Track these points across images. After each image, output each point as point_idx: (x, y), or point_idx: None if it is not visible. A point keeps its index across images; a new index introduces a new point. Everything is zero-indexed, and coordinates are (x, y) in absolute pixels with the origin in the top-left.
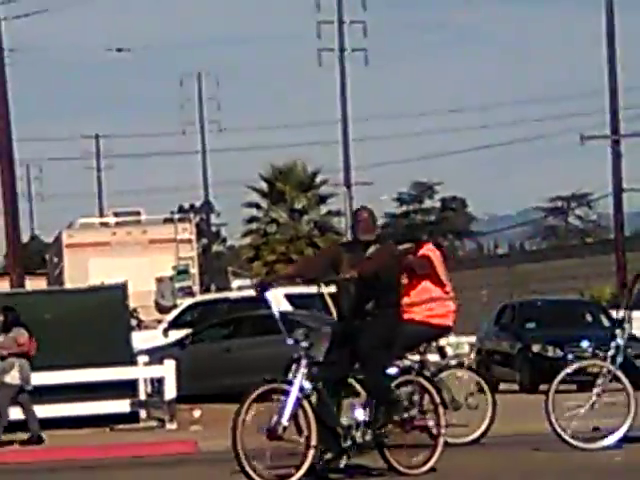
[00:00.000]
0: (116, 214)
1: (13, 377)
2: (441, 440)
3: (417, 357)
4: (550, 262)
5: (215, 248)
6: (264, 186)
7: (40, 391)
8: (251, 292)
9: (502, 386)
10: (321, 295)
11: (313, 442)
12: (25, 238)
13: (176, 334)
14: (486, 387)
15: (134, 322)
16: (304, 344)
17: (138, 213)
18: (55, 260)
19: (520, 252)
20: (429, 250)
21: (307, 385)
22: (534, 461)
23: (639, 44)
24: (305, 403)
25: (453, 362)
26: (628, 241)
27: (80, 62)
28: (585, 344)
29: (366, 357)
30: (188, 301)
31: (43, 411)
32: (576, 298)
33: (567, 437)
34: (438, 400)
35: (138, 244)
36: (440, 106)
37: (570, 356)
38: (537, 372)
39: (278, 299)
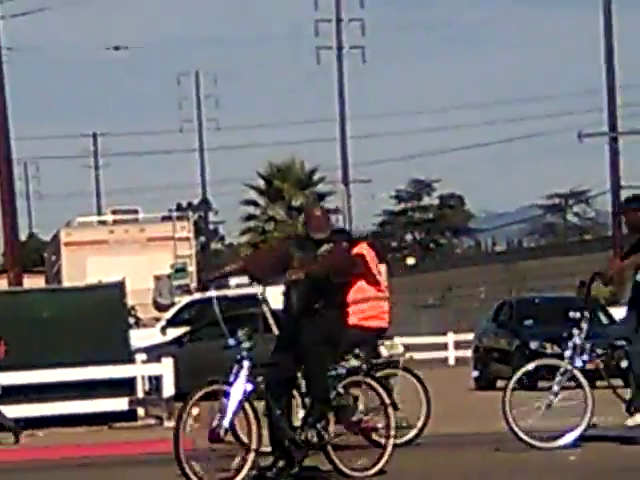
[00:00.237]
0: (114, 212)
1: None
2: (391, 442)
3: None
4: (548, 259)
5: (213, 246)
6: (262, 184)
7: (38, 389)
8: (249, 290)
9: (500, 383)
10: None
11: (253, 445)
12: (23, 236)
13: (174, 332)
14: (420, 387)
15: (132, 320)
16: (246, 345)
17: (136, 211)
18: (53, 258)
19: (518, 249)
20: (363, 249)
21: (249, 387)
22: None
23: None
24: (247, 405)
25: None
26: (626, 238)
27: (78, 60)
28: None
29: (308, 354)
30: (186, 299)
31: (41, 409)
32: (574, 295)
33: (524, 435)
34: (388, 401)
35: (136, 242)
36: (438, 104)
37: (568, 353)
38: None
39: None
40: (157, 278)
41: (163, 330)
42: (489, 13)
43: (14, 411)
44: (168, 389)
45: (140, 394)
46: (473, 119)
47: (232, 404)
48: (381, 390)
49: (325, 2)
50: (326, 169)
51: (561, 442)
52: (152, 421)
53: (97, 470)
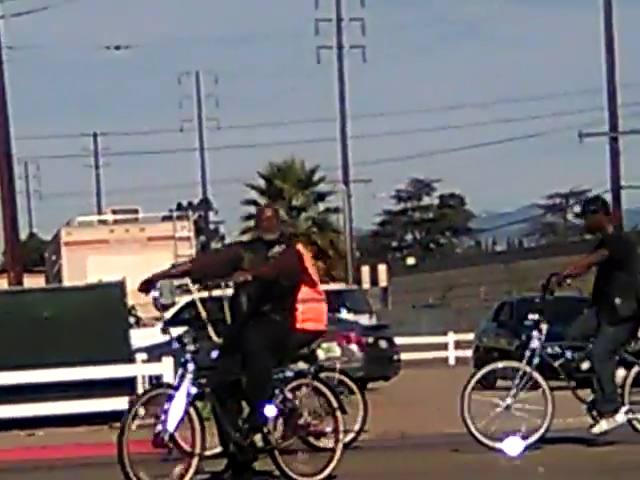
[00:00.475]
0: (114, 212)
1: None
2: (340, 446)
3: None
4: (548, 259)
5: (213, 246)
6: (262, 183)
7: (38, 389)
8: None
9: (500, 383)
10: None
11: (197, 450)
12: (23, 236)
13: (174, 332)
14: (356, 389)
15: (132, 320)
16: (191, 347)
17: (136, 211)
18: (53, 258)
19: (518, 249)
20: (299, 249)
21: (194, 391)
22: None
23: (638, 41)
24: (191, 410)
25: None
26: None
27: (78, 60)
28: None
29: (253, 358)
30: (186, 299)
31: (41, 409)
32: (574, 295)
33: (482, 437)
34: (336, 405)
35: (136, 242)
36: (438, 103)
37: (568, 353)
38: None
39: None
40: None
41: (164, 330)
42: (490, 13)
43: (14, 411)
44: None
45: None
46: (473, 119)
47: (176, 408)
48: (329, 393)
49: (325, 1)
50: (326, 169)
51: (521, 445)
52: (152, 421)
53: (97, 470)
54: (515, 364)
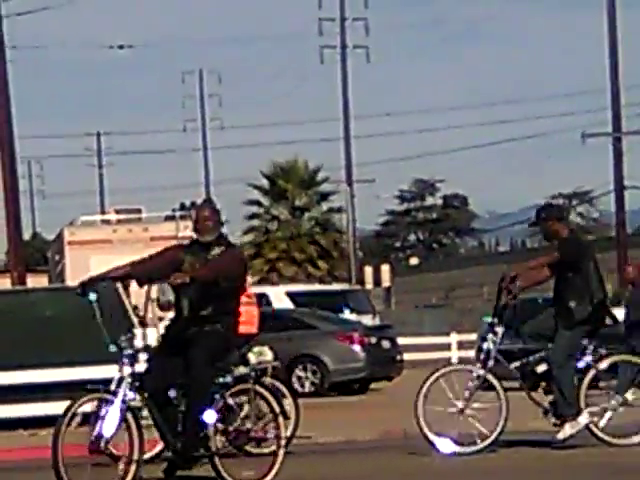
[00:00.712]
0: (117, 211)
1: None
2: (282, 452)
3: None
4: None
5: None
6: (265, 183)
7: (41, 388)
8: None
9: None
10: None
11: (135, 456)
12: (27, 235)
13: None
14: (288, 393)
15: (135, 319)
16: (128, 351)
17: (139, 210)
18: (57, 257)
19: (521, 249)
20: None
21: (131, 396)
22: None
23: None
24: (128, 415)
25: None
26: (630, 238)
27: (82, 59)
28: (586, 341)
29: (194, 366)
30: None
31: (43, 409)
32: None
33: (435, 439)
34: (278, 410)
35: (139, 241)
36: (442, 104)
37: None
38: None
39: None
40: None
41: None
42: (493, 13)
43: (17, 410)
44: None
45: None
46: (477, 119)
47: (113, 414)
48: (271, 398)
49: (329, 1)
50: (330, 169)
51: (476, 447)
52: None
53: (97, 469)
54: (469, 367)
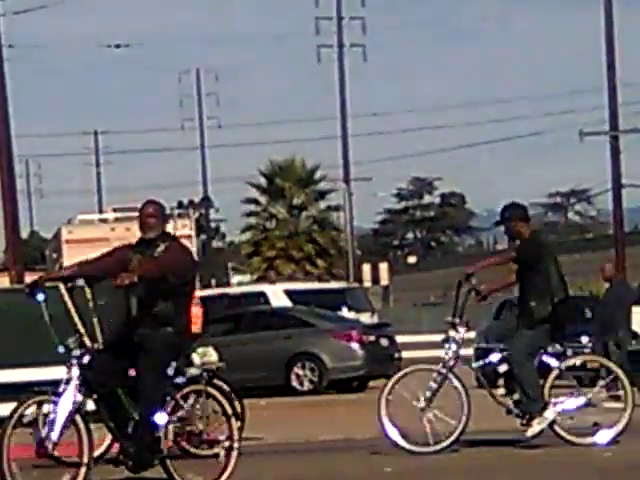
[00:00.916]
0: (115, 210)
1: None
2: (234, 454)
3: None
4: None
5: (214, 244)
6: (263, 182)
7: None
8: (251, 288)
9: (501, 382)
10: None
11: (85, 459)
12: (24, 234)
13: None
14: (233, 394)
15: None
16: (76, 352)
17: (137, 209)
18: (54, 256)
19: None
20: None
21: (79, 397)
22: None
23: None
24: (77, 417)
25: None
26: (627, 237)
27: (79, 58)
28: (585, 339)
29: (145, 362)
30: None
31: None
32: (575, 294)
33: (398, 439)
34: (230, 411)
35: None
36: (439, 102)
37: (569, 351)
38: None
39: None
40: None
41: None
42: (490, 11)
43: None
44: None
45: None
46: (474, 117)
47: (61, 416)
48: (224, 400)
49: (326, 0)
50: (327, 167)
51: (439, 446)
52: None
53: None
54: (430, 367)
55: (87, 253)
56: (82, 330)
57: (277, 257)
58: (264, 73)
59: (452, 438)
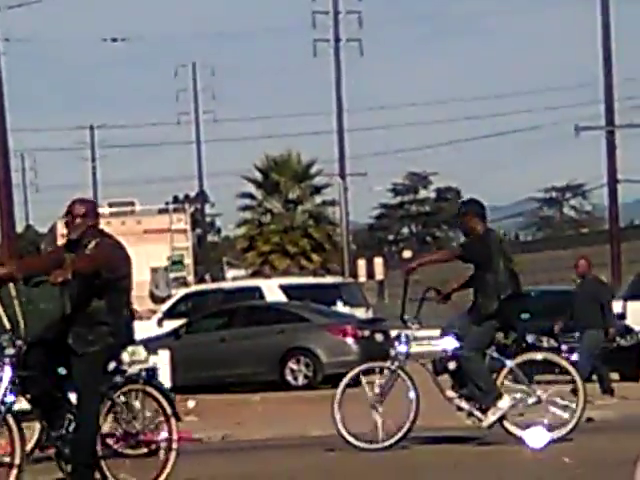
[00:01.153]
0: (110, 204)
1: None
2: (173, 454)
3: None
4: (544, 253)
5: (210, 238)
6: (259, 176)
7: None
8: (246, 283)
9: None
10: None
11: (16, 461)
12: (20, 228)
13: (171, 324)
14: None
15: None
16: (10, 351)
17: (132, 203)
18: (50, 250)
19: (515, 243)
20: None
21: (11, 398)
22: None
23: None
24: (9, 418)
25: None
26: (623, 232)
27: (75, 52)
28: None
29: (79, 363)
30: (183, 291)
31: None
32: (571, 289)
33: (349, 437)
34: (170, 411)
35: (132, 234)
36: (435, 97)
37: (564, 347)
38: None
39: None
40: (154, 270)
41: (160, 322)
42: (487, 6)
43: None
44: (164, 382)
45: None
46: (469, 112)
47: None
48: (163, 399)
49: None
50: (323, 162)
51: (387, 443)
52: (148, 414)
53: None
54: (384, 364)
55: None
56: (9, 327)
57: (272, 252)
58: (260, 67)
59: (400, 434)
